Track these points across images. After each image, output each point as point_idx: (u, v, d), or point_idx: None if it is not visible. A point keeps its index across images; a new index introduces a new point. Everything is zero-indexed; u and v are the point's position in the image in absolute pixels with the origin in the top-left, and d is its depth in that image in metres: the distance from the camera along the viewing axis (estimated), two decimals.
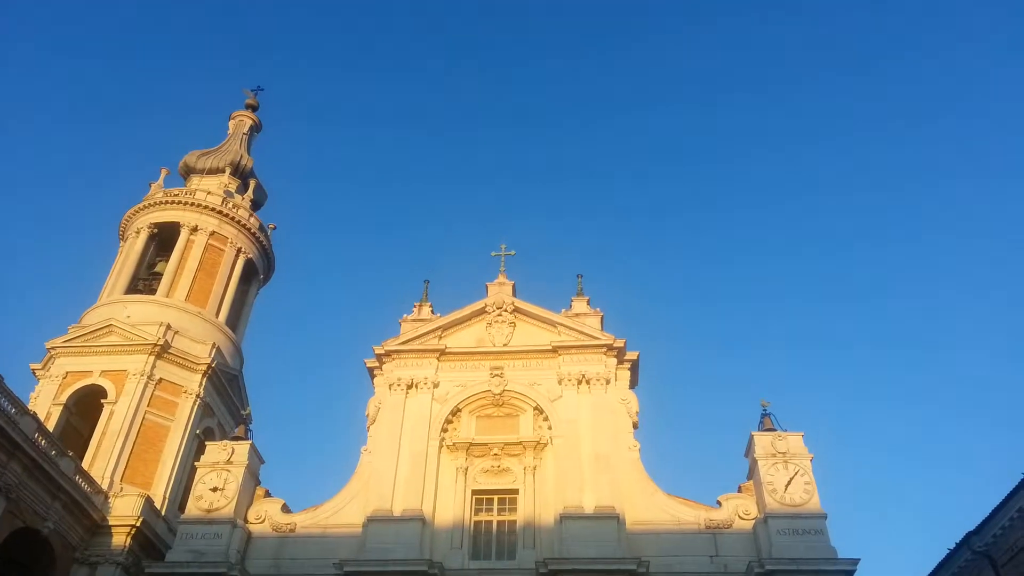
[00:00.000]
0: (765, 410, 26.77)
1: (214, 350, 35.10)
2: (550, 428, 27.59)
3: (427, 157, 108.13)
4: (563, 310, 31.14)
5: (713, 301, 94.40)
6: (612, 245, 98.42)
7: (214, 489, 26.36)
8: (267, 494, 27.74)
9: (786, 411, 28.25)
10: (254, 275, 42.36)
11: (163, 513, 31.15)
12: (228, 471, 26.77)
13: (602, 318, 30.84)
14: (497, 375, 28.81)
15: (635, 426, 27.99)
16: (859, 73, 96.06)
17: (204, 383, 34.53)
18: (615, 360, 28.98)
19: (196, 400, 34.17)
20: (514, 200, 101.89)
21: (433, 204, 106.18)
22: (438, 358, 29.66)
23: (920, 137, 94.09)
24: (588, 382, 28.32)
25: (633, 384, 29.77)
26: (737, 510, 25.08)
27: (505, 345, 29.85)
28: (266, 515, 26.68)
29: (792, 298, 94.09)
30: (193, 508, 26.19)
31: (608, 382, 28.38)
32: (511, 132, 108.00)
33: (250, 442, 28.05)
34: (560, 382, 28.48)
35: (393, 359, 29.75)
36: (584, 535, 24.45)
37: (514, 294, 31.82)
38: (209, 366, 34.43)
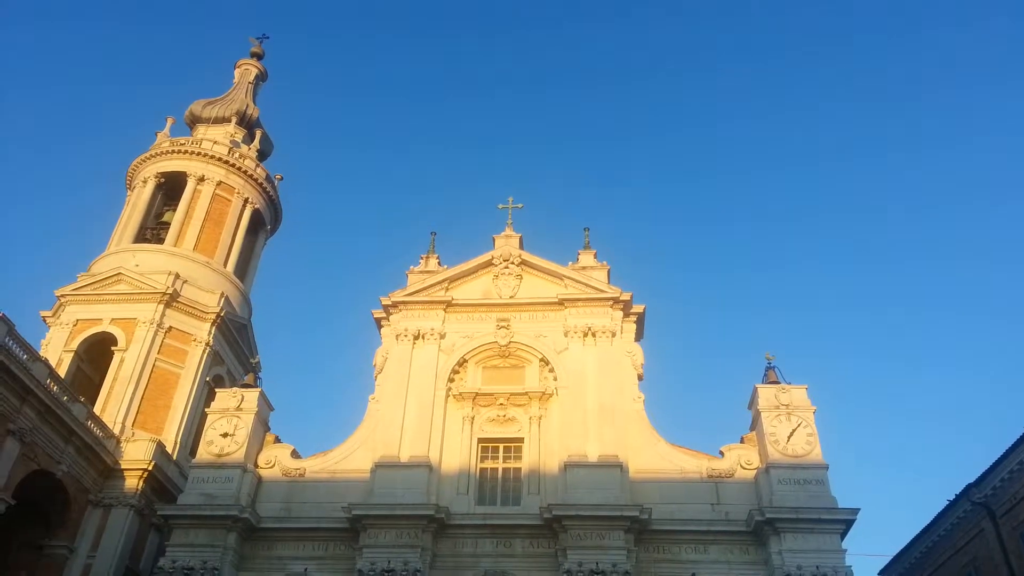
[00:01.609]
0: (769, 363, 26.93)
1: (222, 299, 35.15)
2: (555, 379, 27.76)
3: (437, 112, 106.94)
4: (570, 263, 31.07)
5: (720, 258, 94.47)
6: (620, 200, 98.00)
7: (224, 435, 26.60)
8: (277, 440, 28.06)
9: (790, 366, 28.39)
10: (261, 226, 42.24)
11: (174, 458, 31.57)
12: (238, 417, 27.01)
13: (608, 271, 30.77)
14: (503, 327, 28.89)
15: (640, 378, 28.16)
16: (876, 32, 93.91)
17: (213, 331, 34.69)
18: (621, 313, 29.00)
19: (205, 348, 34.37)
20: (523, 156, 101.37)
21: (441, 159, 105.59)
22: (445, 309, 29.70)
23: (929, 104, 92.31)
24: (594, 334, 28.40)
25: (639, 337, 29.83)
26: (739, 460, 25.36)
27: (512, 297, 29.88)
28: (276, 460, 27.02)
29: (797, 256, 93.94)
30: (204, 453, 26.47)
31: (614, 335, 28.45)
32: (522, 91, 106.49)
33: (259, 389, 28.23)
34: (566, 334, 28.56)
35: (400, 310, 29.82)
36: (588, 483, 24.77)
37: (521, 247, 31.67)
38: (218, 315, 34.52)
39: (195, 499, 25.33)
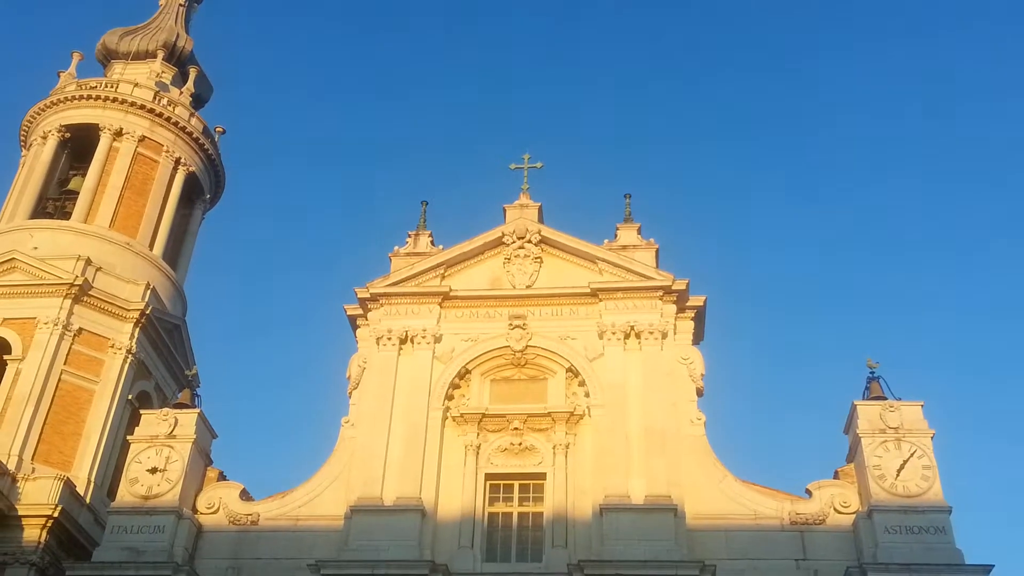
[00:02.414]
0: (873, 373, 26.80)
1: (149, 292, 35.41)
2: (588, 395, 27.86)
3: (428, 40, 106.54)
4: (606, 241, 31.15)
5: (805, 237, 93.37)
6: (673, 159, 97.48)
7: (153, 470, 26.82)
8: (221, 477, 28.26)
9: (899, 378, 28.23)
10: (198, 195, 42.62)
11: (88, 500, 31.92)
12: (171, 447, 27.24)
13: (657, 252, 30.82)
14: (518, 326, 28.98)
15: (699, 393, 28.14)
16: None
17: (137, 335, 34.94)
18: (674, 308, 29.01)
19: (127, 357, 34.64)
20: (543, 99, 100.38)
21: (435, 103, 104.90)
22: (440, 303, 29.82)
23: None
24: (638, 335, 28.42)
25: (698, 339, 29.77)
26: (832, 501, 25.28)
27: (529, 287, 29.94)
28: (220, 503, 27.24)
29: (905, 243, 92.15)
30: (127, 494, 26.71)
31: (665, 336, 28.49)
32: (540, 11, 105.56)
33: (198, 411, 28.44)
34: (601, 335, 28.62)
35: (381, 305, 29.96)
36: (631, 531, 24.85)
37: (541, 220, 31.68)
38: (143, 313, 34.77)
39: (115, 555, 25.55)
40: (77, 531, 30.44)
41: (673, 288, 28.93)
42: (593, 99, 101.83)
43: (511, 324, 29.06)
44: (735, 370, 70.62)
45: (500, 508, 26.94)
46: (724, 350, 57.88)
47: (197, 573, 25.67)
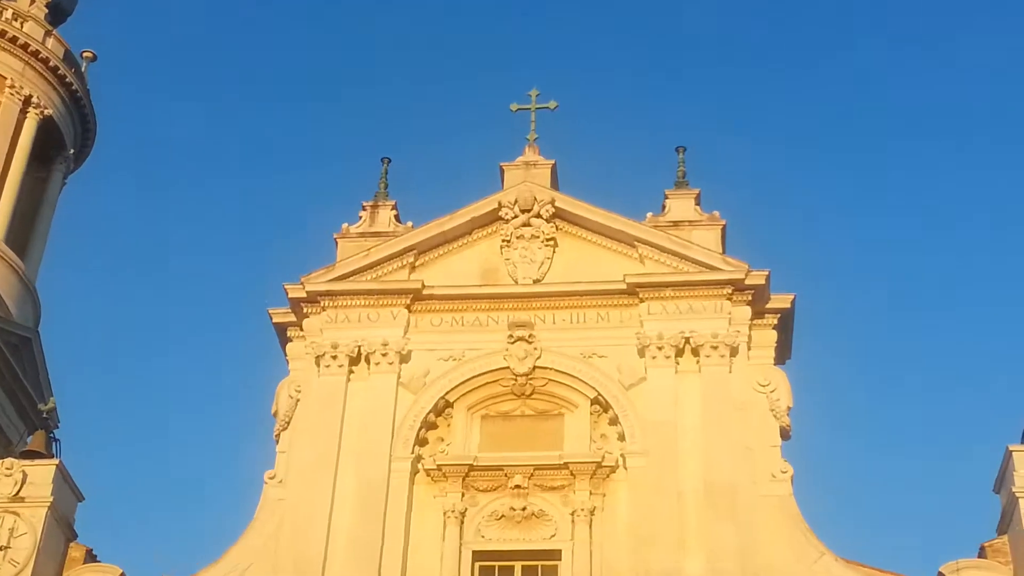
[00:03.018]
0: None
1: None
2: (622, 439, 28.09)
3: None
4: (649, 215, 31.54)
5: (933, 216, 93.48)
6: (745, 98, 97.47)
7: None
8: (89, 557, 28.39)
9: None
10: (58, 150, 43.03)
11: None
12: (16, 514, 27.24)
13: (723, 231, 31.21)
14: (522, 339, 29.25)
15: (785, 435, 28.36)
16: None
17: None
18: (748, 311, 29.25)
19: None
20: (553, 17, 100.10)
21: (401, 23, 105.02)
22: (409, 306, 30.13)
23: None
24: (696, 352, 28.69)
25: (783, 358, 30.08)
26: None
27: (537, 281, 30.31)
28: None
29: None
30: None
31: (735, 352, 28.71)
32: None
33: (57, 462, 28.59)
34: (643, 352, 28.89)
35: (324, 308, 30.32)
36: None
37: (555, 184, 31.99)
38: None
39: None
40: None
41: (747, 283, 29.12)
42: (626, 10, 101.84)
43: (512, 336, 29.28)
44: (834, 402, 70.83)
45: None
46: (820, 373, 58.16)
47: None
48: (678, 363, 28.69)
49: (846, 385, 78.67)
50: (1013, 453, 26.23)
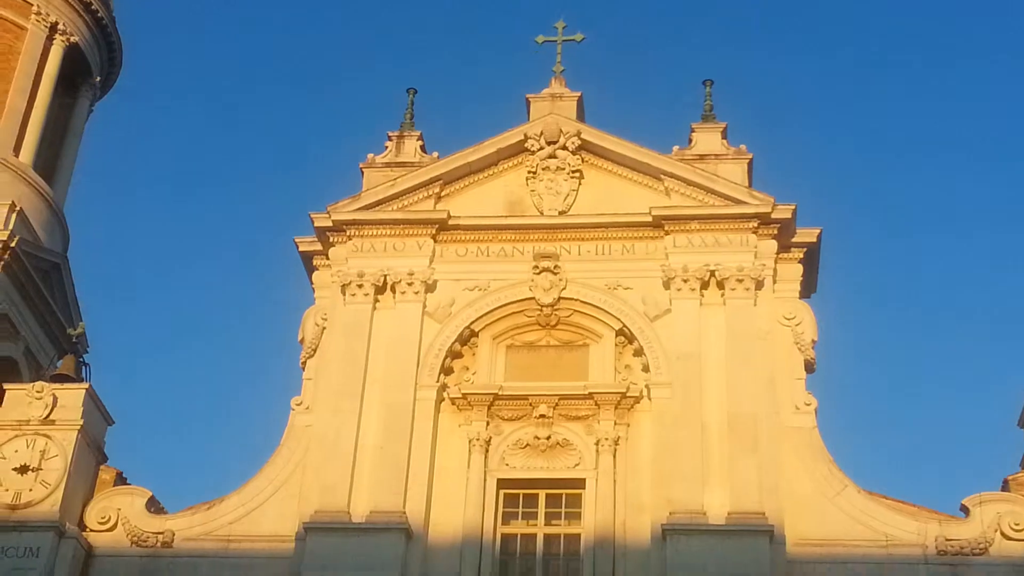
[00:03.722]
0: None
1: (14, 216, 35.44)
2: (647, 370, 28.10)
3: None
4: (675, 148, 31.39)
5: (965, 150, 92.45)
6: (775, 29, 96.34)
7: (23, 469, 27.08)
8: (119, 479, 28.63)
9: None
10: (84, 77, 42.63)
11: None
12: (48, 437, 27.46)
13: (750, 165, 31.02)
14: (547, 269, 29.20)
15: (809, 368, 28.34)
16: None
17: None
18: (774, 244, 29.14)
19: None
20: None
21: None
22: (434, 236, 30.13)
23: None
24: (722, 284, 28.61)
25: (808, 291, 30.02)
26: (999, 522, 25.36)
27: (563, 213, 30.25)
28: (119, 516, 27.58)
29: None
30: None
31: (760, 285, 28.60)
32: None
33: (87, 385, 28.73)
34: (668, 284, 28.82)
35: (350, 238, 30.29)
36: (708, 562, 25.06)
37: (581, 116, 31.79)
38: (5, 246, 34.82)
39: None
40: None
41: (773, 216, 28.97)
42: None
43: (537, 267, 29.22)
44: (860, 336, 70.53)
45: (519, 528, 27.25)
46: (845, 307, 58.04)
47: None
48: (703, 296, 28.61)
49: (872, 319, 78.32)
50: None
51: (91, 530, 27.46)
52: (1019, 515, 25.42)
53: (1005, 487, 26.51)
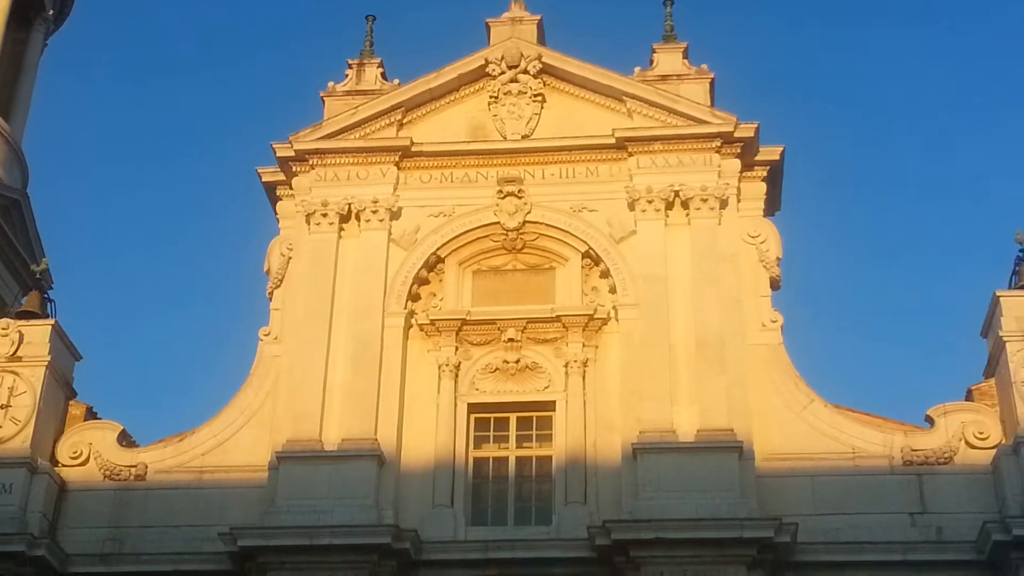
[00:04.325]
0: None
1: None
2: (613, 291, 28.11)
3: None
4: (637, 69, 31.16)
5: (924, 68, 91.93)
6: None
7: None
8: (89, 414, 28.57)
9: None
10: (37, 10, 41.94)
11: None
12: (15, 374, 27.31)
13: (712, 85, 30.84)
14: (511, 194, 29.09)
15: (774, 285, 28.43)
16: None
17: None
18: (738, 163, 29.06)
19: None
20: None
21: None
22: (398, 163, 29.86)
23: None
24: (686, 204, 28.55)
25: (772, 210, 30.00)
26: (963, 431, 25.67)
27: (526, 137, 30.05)
28: (91, 451, 27.58)
29: None
30: None
31: (724, 204, 28.59)
32: None
33: (52, 321, 28.53)
34: (633, 205, 28.73)
35: (312, 167, 30.01)
36: (678, 479, 25.28)
37: (541, 40, 31.51)
38: None
39: None
40: None
41: (736, 135, 28.84)
42: None
43: (501, 191, 29.09)
44: (822, 255, 70.75)
45: (490, 452, 27.39)
46: (808, 226, 57.81)
47: (62, 548, 25.96)
48: (668, 216, 28.55)
49: (836, 235, 78.08)
50: (1000, 299, 26.37)
51: (63, 465, 27.40)
52: (983, 424, 25.75)
53: (969, 397, 26.78)
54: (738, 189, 28.94)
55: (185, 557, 25.79)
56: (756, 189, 29.32)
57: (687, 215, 28.52)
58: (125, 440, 28.10)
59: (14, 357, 27.51)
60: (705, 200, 28.43)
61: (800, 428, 26.31)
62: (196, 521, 26.29)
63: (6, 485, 26.12)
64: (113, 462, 27.39)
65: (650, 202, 28.55)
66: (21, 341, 27.71)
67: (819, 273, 61.82)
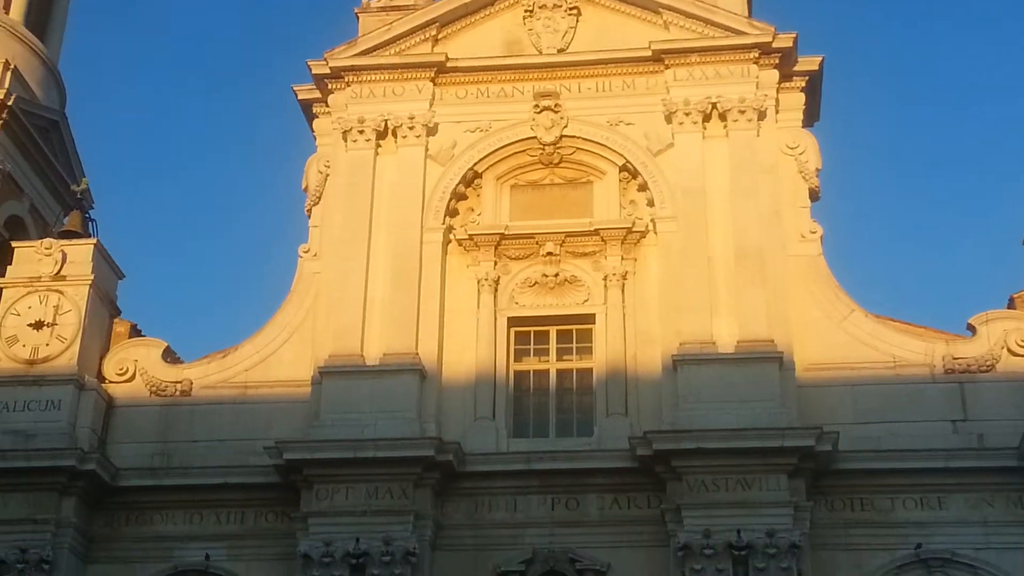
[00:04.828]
0: None
1: (9, 74, 34.94)
2: (651, 204, 27.97)
3: None
4: None
5: None
6: None
7: (38, 325, 27.20)
8: (134, 331, 28.83)
9: None
10: None
11: None
12: (60, 292, 27.52)
13: None
14: (548, 108, 28.87)
15: (814, 196, 28.33)
16: None
17: None
18: (776, 74, 28.81)
19: None
20: None
21: None
22: (433, 79, 29.70)
23: None
24: (724, 116, 28.34)
25: (811, 120, 29.76)
26: (1005, 339, 25.67)
27: (562, 51, 29.81)
28: (136, 367, 27.84)
29: None
30: (3, 358, 27.16)
31: (763, 115, 28.34)
32: None
33: (95, 240, 28.65)
34: (670, 118, 28.52)
35: (348, 84, 29.88)
36: (718, 390, 25.34)
37: None
38: (3, 104, 34.37)
39: None
40: None
41: (774, 46, 28.55)
42: None
43: (538, 105, 28.86)
44: (862, 165, 69.78)
45: (531, 365, 27.52)
46: (847, 137, 57.24)
47: (111, 462, 26.26)
48: (705, 128, 28.35)
49: (876, 146, 77.51)
50: None
51: (110, 382, 27.74)
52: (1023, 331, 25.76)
53: (1011, 304, 26.74)
54: (776, 100, 28.64)
55: (232, 470, 26.11)
56: (795, 100, 29.01)
57: (725, 127, 28.24)
58: (170, 357, 28.38)
59: (58, 276, 27.66)
60: (743, 112, 28.14)
61: (840, 338, 26.31)
62: (242, 435, 26.65)
63: (55, 402, 26.42)
64: (159, 378, 27.66)
65: (687, 114, 28.30)
66: (64, 260, 27.83)
67: (859, 183, 60.94)
